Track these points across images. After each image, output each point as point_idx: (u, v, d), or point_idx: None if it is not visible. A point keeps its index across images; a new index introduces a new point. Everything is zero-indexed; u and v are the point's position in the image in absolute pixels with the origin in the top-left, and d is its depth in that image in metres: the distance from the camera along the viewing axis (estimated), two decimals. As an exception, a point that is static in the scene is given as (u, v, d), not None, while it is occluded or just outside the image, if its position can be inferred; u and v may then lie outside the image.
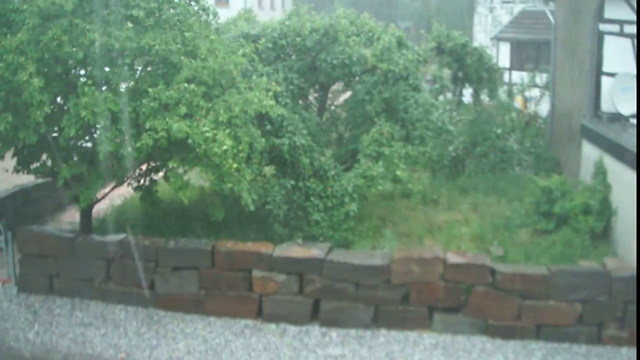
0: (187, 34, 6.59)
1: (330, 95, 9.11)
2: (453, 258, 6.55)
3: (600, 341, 6.39)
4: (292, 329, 6.53)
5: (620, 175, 7.46)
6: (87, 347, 6.23)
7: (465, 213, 8.32)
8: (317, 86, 8.53)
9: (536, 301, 6.39)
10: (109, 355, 6.09)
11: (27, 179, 8.24)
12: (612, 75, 8.20)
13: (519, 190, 8.72)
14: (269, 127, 7.20)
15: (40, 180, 8.60)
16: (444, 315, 6.51)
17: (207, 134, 6.11)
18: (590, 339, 6.39)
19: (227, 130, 6.32)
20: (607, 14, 8.38)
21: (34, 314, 6.69)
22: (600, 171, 7.98)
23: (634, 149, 6.80)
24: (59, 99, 6.66)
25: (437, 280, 6.48)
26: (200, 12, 7.08)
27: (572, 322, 6.36)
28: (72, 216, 8.21)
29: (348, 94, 8.84)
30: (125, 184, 7.35)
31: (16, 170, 7.19)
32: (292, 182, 7.12)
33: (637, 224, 6.13)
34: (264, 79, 7.03)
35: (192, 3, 7.04)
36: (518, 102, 12.25)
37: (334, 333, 6.45)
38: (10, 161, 7.11)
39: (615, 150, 7.67)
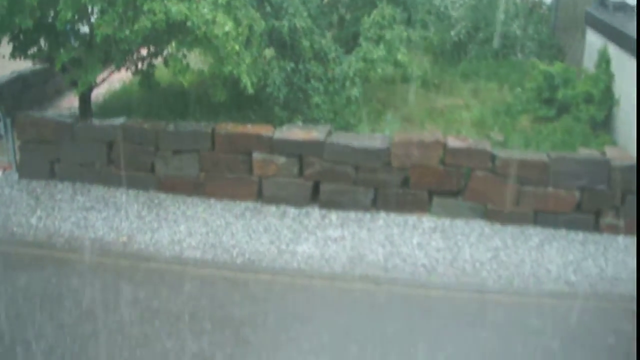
0: None
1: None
2: (453, 142, 6.47)
3: (598, 229, 6.36)
4: (292, 211, 6.51)
5: (624, 64, 7.29)
6: (89, 230, 6.23)
7: (467, 98, 8.22)
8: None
9: (535, 187, 6.34)
10: (110, 239, 6.10)
11: (24, 66, 8.05)
12: (619, -39, 8.02)
13: (521, 76, 8.55)
14: (268, 9, 7.01)
15: (38, 67, 8.48)
16: (443, 199, 6.47)
17: (207, 16, 5.90)
18: (588, 227, 6.36)
19: (227, 13, 6.11)
20: None
21: (35, 199, 6.66)
22: (603, 60, 7.83)
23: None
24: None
25: (437, 164, 6.42)
26: None
27: (570, 209, 6.34)
28: (71, 102, 8.06)
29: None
30: (124, 69, 7.17)
31: (13, 57, 6.96)
32: (292, 64, 6.97)
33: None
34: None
35: None
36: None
37: (334, 215, 6.44)
38: (6, 47, 6.91)
39: (619, 39, 7.46)
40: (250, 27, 6.43)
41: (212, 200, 6.69)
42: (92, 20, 6.65)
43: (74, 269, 5.61)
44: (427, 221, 6.41)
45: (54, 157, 7.10)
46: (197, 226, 6.35)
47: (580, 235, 6.32)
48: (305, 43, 7.03)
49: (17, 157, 7.22)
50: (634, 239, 6.26)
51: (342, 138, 6.64)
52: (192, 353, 4.67)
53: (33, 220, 6.39)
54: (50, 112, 7.70)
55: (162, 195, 6.79)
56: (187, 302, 5.27)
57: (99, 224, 6.41)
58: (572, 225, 6.42)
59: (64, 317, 5.02)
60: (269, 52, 6.83)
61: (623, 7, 7.90)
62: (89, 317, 5.04)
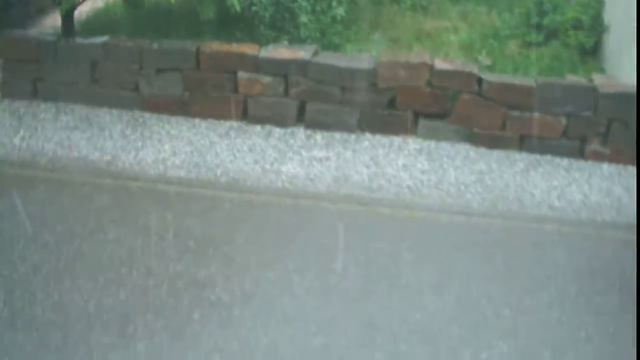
0: None
1: None
2: (440, 65, 6.33)
3: (583, 156, 6.30)
4: (277, 130, 6.41)
5: (615, -11, 7.23)
6: (73, 150, 6.14)
7: (455, 21, 8.06)
8: None
9: (521, 112, 6.23)
10: (94, 158, 6.03)
11: (5, -15, 7.92)
12: None
13: (510, 1, 8.38)
14: None
15: (19, -15, 8.39)
16: (430, 122, 6.38)
17: None
18: (573, 153, 6.31)
19: None
20: None
21: (18, 119, 6.52)
22: (593, -14, 7.79)
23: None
24: None
25: (424, 86, 6.30)
26: None
27: (556, 135, 6.26)
28: (54, 20, 7.76)
29: None
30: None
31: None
32: (279, -18, 6.84)
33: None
34: None
35: None
36: None
37: (319, 136, 6.36)
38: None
39: (611, -36, 7.41)
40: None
41: (197, 120, 6.57)
42: None
43: (58, 189, 5.55)
44: (412, 143, 6.33)
45: (37, 77, 6.91)
46: (181, 145, 6.25)
47: (565, 162, 6.29)
48: (292, -40, 6.91)
49: (-1, 76, 7.13)
50: (618, 167, 6.24)
51: (328, 58, 6.49)
52: (175, 271, 4.62)
53: (16, 141, 6.27)
54: (33, 31, 7.48)
55: (146, 115, 6.66)
56: (170, 221, 5.21)
57: (82, 144, 6.31)
58: (557, 151, 6.36)
59: (48, 236, 4.99)
60: (255, -31, 6.70)
61: None
62: (73, 236, 5.00)
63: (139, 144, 6.30)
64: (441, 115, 6.48)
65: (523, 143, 6.40)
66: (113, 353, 3.95)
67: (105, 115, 6.70)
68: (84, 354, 3.95)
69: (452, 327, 4.27)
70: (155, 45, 6.68)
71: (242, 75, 6.56)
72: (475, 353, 4.07)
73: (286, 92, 6.59)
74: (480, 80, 6.29)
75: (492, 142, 6.42)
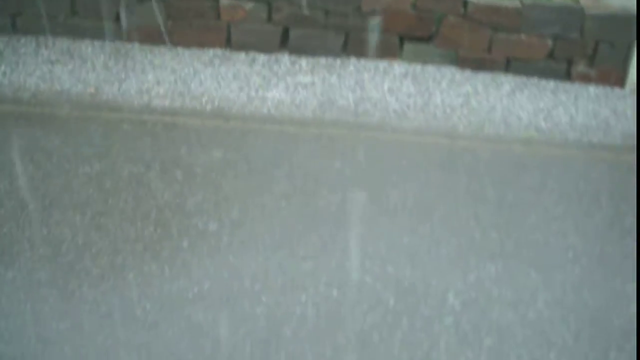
0: None
1: None
2: (425, -13, 6.31)
3: (569, 78, 6.26)
4: (261, 57, 6.34)
5: None
6: (56, 83, 6.05)
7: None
8: None
9: (507, 34, 6.16)
10: (77, 90, 5.95)
11: None
12: None
13: None
14: None
15: None
16: (415, 45, 6.31)
17: None
18: (559, 75, 6.28)
19: None
20: None
21: (-1, 56, 6.49)
22: None
23: None
24: None
25: (409, 8, 6.20)
26: None
27: (542, 57, 6.20)
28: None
29: None
30: None
31: None
32: None
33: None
34: None
35: None
36: None
37: (304, 61, 6.29)
38: None
39: None
40: None
41: (180, 49, 6.48)
42: None
43: (42, 123, 5.48)
44: (398, 67, 6.28)
45: (16, 11, 6.72)
46: (164, 75, 6.17)
47: (551, 84, 6.26)
48: None
49: (-23, 12, 6.95)
50: (605, 89, 6.23)
51: (311, -19, 6.47)
52: (163, 201, 4.61)
53: (-3, 77, 6.23)
54: (9, -38, 7.38)
55: (129, 46, 6.55)
56: (156, 151, 5.18)
57: (65, 77, 6.22)
58: (543, 73, 6.31)
59: (34, 171, 4.93)
60: None
61: None
62: (59, 170, 4.95)
63: (122, 75, 6.21)
64: (427, 39, 6.40)
65: (509, 65, 6.34)
66: (103, 284, 3.94)
67: (87, 47, 6.59)
68: (74, 286, 3.94)
69: (440, 249, 4.26)
70: (135, -26, 6.63)
71: (224, 2, 6.45)
72: (463, 275, 4.09)
73: (269, 18, 6.48)
74: (465, 2, 6.19)
75: (478, 64, 6.36)
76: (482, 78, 6.12)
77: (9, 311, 3.83)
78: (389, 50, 6.36)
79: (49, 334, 3.69)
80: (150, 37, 6.54)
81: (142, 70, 6.12)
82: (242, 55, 6.39)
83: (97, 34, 6.61)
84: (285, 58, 6.35)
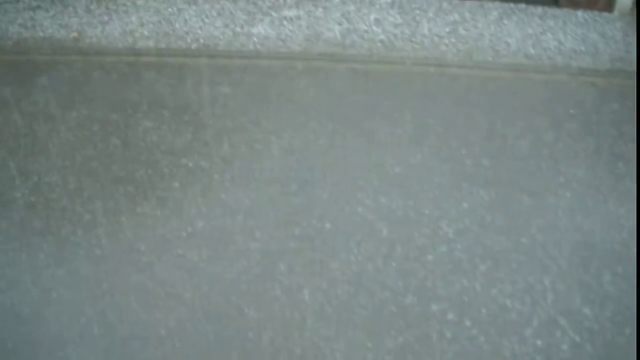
0: None
1: None
2: None
3: (557, 3, 6.15)
4: (245, -7, 6.30)
5: None
6: (38, 30, 5.92)
7: None
8: None
9: (493, -40, 6.22)
10: (60, 36, 5.83)
11: None
12: None
13: None
14: None
15: None
16: (400, -25, 6.34)
17: None
18: (547, 1, 6.18)
19: None
20: None
21: (-22, 6, 6.36)
22: None
23: None
24: None
25: (393, -63, 6.20)
26: None
27: (529, -18, 6.26)
28: None
29: None
30: None
31: None
32: None
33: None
34: None
35: None
36: None
37: (288, -5, 6.26)
38: None
39: None
40: None
41: None
42: None
43: (26, 71, 5.41)
44: (384, -3, 6.27)
45: (-7, -45, 6.74)
46: (148, 15, 6.01)
47: (539, 10, 6.15)
48: None
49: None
50: (593, 14, 6.14)
51: None
52: (151, 142, 4.57)
53: (-22, 28, 6.12)
54: None
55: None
56: (143, 92, 5.11)
57: (47, 23, 6.08)
58: (531, -1, 6.33)
59: (20, 119, 4.88)
60: None
61: None
62: (46, 117, 4.90)
63: (105, 17, 6.07)
64: (412, -32, 6.38)
65: (496, -8, 6.33)
66: (97, 228, 3.93)
67: (68, -11, 6.55)
68: (68, 232, 3.93)
69: (431, 178, 4.23)
70: None
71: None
72: (456, 203, 4.08)
73: (251, -48, 6.49)
74: None
75: (465, -8, 6.35)
76: (469, 5, 6.02)
77: (4, 261, 3.82)
78: (374, -19, 6.29)
79: (46, 281, 3.69)
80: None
81: (125, 12, 6.00)
82: (225, -8, 6.33)
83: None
84: (269, -7, 6.28)
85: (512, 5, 6.18)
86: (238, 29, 6.02)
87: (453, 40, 5.74)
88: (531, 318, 3.48)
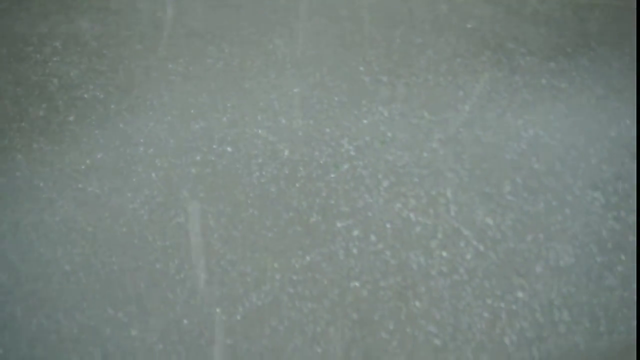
0: None
1: None
2: None
3: None
4: None
5: None
6: None
7: None
8: None
9: None
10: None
11: None
12: None
13: None
14: None
15: None
16: None
17: None
18: None
19: None
20: None
21: None
22: None
23: None
24: None
25: None
26: None
27: None
28: None
29: None
30: None
31: None
32: None
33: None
34: None
35: None
36: None
37: None
38: None
39: None
40: None
41: None
42: None
43: None
44: None
45: None
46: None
47: None
48: None
49: None
50: None
51: None
52: (46, 75, 4.34)
53: None
54: None
55: None
56: (32, 25, 4.83)
57: None
58: None
59: None
60: None
61: None
62: None
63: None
64: None
65: None
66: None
67: None
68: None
69: (331, 97, 4.13)
70: None
71: None
72: (356, 120, 3.99)
73: None
74: None
75: None
76: None
77: None
78: None
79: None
80: None
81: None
82: None
83: None
84: None
85: None
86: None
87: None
88: (435, 230, 3.51)
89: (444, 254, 3.43)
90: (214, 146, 3.82)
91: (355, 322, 3.18)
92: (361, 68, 4.34)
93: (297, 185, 3.63)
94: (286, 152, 3.78)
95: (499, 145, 3.92)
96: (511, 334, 3.16)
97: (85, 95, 4.14)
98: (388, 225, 3.51)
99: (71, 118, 4.01)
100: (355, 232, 3.49)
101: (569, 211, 3.59)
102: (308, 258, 3.39)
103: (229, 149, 3.82)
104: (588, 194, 3.67)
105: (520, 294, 3.31)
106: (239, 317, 3.19)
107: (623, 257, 3.42)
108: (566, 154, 3.86)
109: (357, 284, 3.31)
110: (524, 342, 3.16)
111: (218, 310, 3.23)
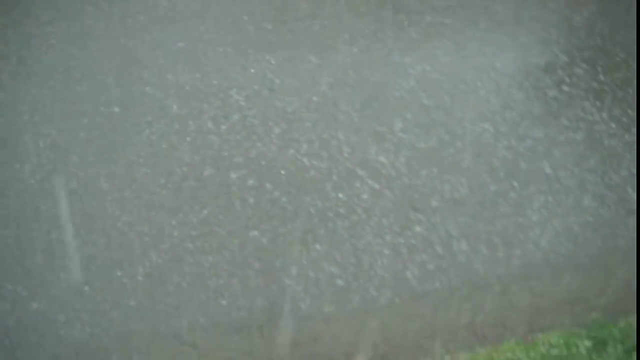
0: None
1: None
2: None
3: None
4: None
5: None
6: None
7: None
8: None
9: None
10: None
11: None
12: None
13: None
14: None
15: None
16: None
17: None
18: None
19: None
20: None
21: None
22: None
23: None
24: None
25: None
26: None
27: None
28: None
29: None
30: None
31: None
32: None
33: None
34: None
35: None
36: None
37: None
38: None
39: None
40: None
41: None
42: None
43: None
44: None
45: None
46: None
47: None
48: None
49: None
50: None
51: None
52: None
53: None
54: None
55: None
56: None
57: None
58: None
59: None
60: None
61: None
62: None
63: None
64: None
65: None
66: None
67: None
68: None
69: (216, 48, 4.04)
70: None
71: None
72: (243, 70, 3.92)
73: None
74: None
75: None
76: None
77: None
78: None
79: None
80: None
81: None
82: None
83: None
84: None
85: None
86: None
87: None
88: (330, 173, 3.51)
89: (341, 195, 3.44)
90: (101, 108, 3.69)
91: (258, 271, 3.18)
92: (245, 17, 4.24)
93: (188, 139, 3.56)
94: (175, 108, 3.69)
95: (387, 84, 3.93)
96: (413, 268, 3.22)
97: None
98: (282, 172, 3.49)
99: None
100: (250, 182, 3.46)
101: (461, 144, 3.65)
102: (205, 212, 3.35)
103: (116, 109, 3.70)
104: (478, 126, 3.73)
105: (418, 229, 3.36)
106: (140, 278, 3.15)
107: (515, 184, 3.51)
108: (454, 88, 3.91)
109: (256, 233, 3.30)
110: (426, 274, 3.22)
111: (119, 273, 3.17)
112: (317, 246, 3.25)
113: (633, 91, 3.91)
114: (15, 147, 3.54)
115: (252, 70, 3.91)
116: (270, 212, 3.35)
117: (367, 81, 3.93)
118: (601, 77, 3.99)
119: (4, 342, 2.99)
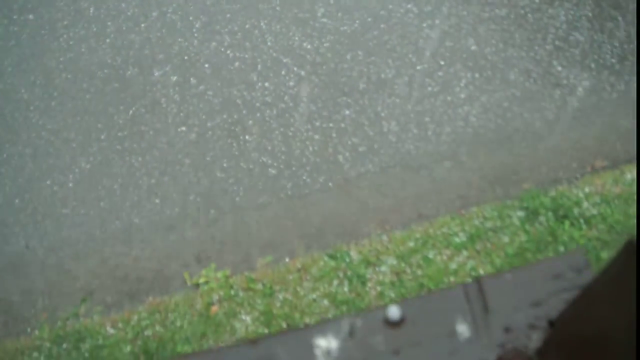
0: None
1: None
2: None
3: None
4: None
5: None
6: None
7: None
8: None
9: None
10: None
11: None
12: None
13: None
14: None
15: None
16: None
17: None
18: None
19: None
20: None
21: None
22: None
23: None
24: None
25: None
26: None
27: None
28: None
29: None
30: None
31: None
32: None
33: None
34: None
35: None
36: None
37: None
38: None
39: None
40: None
41: None
42: None
43: None
44: None
45: None
46: None
47: None
48: None
49: None
50: None
51: None
52: None
53: None
54: None
55: None
56: None
57: None
58: None
59: None
60: None
61: None
62: None
63: None
64: None
65: None
66: None
67: None
68: None
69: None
70: None
71: None
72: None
73: None
74: None
75: None
76: None
77: None
78: None
79: None
80: None
81: None
82: None
83: None
84: None
85: None
86: None
87: None
88: (255, 63, 3.41)
89: (267, 84, 3.36)
90: (15, 17, 3.53)
91: (189, 166, 3.11)
92: None
93: (108, 41, 3.41)
94: (92, 10, 3.52)
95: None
96: (344, 152, 3.18)
97: None
98: (207, 66, 3.38)
99: None
100: (174, 78, 3.35)
101: (385, 26, 3.56)
102: (130, 112, 3.25)
103: (30, 16, 3.53)
104: (402, 7, 3.63)
105: (347, 112, 3.31)
106: (71, 185, 3.07)
107: (442, 63, 3.45)
108: (376, -30, 3.80)
109: (184, 128, 3.22)
110: (357, 157, 3.19)
111: (49, 182, 3.09)
112: (247, 137, 3.19)
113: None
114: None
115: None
116: (196, 106, 3.25)
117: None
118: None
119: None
